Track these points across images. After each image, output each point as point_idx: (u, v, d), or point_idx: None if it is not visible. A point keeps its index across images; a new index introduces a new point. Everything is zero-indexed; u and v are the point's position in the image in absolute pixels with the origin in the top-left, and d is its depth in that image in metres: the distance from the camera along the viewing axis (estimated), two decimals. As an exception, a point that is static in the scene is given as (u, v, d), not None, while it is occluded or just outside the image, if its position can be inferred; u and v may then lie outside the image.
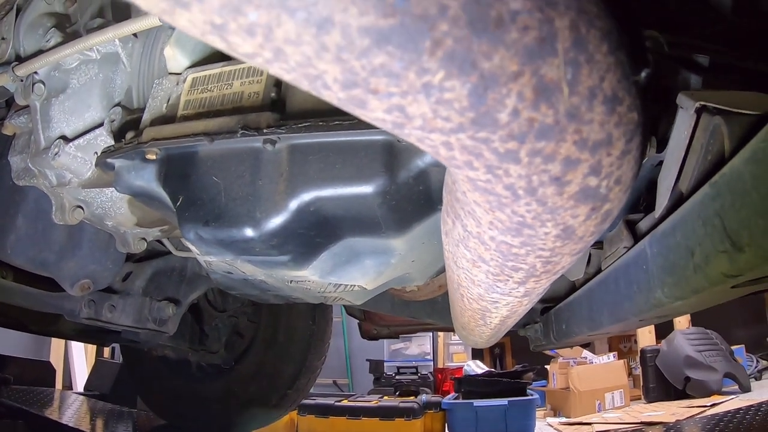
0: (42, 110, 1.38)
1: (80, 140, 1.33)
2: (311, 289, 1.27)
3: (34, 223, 1.65)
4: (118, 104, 1.32)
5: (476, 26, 0.34)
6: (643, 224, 0.95)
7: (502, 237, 0.58)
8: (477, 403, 4.11)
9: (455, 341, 7.12)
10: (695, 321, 5.99)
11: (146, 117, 1.18)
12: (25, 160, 1.55)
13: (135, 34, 1.35)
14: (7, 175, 1.65)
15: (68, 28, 1.40)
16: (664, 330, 5.97)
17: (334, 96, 0.39)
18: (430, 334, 6.84)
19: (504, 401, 4.09)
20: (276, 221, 1.01)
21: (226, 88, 1.12)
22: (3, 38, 1.47)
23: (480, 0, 0.33)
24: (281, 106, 1.07)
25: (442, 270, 1.42)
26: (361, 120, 0.96)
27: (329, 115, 1.00)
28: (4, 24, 1.46)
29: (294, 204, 1.00)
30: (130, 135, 1.16)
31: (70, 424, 2.97)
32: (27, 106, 1.60)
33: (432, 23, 0.33)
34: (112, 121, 1.26)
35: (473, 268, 0.72)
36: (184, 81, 1.18)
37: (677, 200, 0.76)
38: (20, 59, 1.39)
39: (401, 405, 4.04)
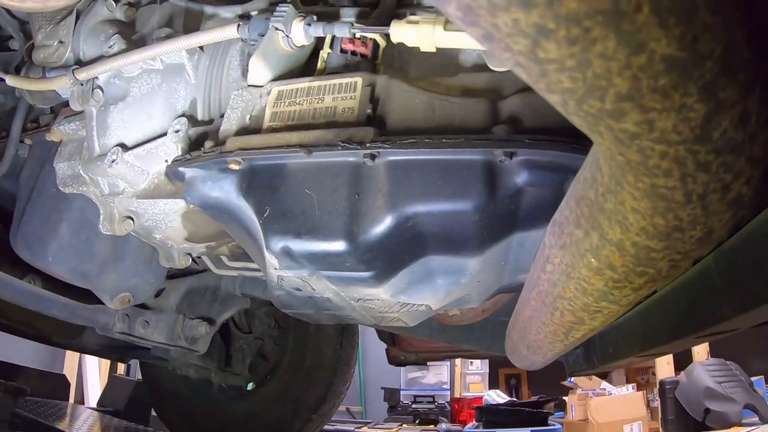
0: (99, 117, 1.35)
1: (140, 149, 1.29)
2: (375, 309, 1.23)
3: (78, 232, 1.60)
4: (183, 115, 1.29)
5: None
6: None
7: (648, 242, 0.59)
8: (499, 432, 4.05)
9: (472, 371, 7.03)
10: (714, 352, 5.92)
11: (226, 127, 1.15)
12: (74, 167, 1.51)
13: (201, 47, 1.32)
14: (50, 182, 1.61)
15: (132, 36, 1.37)
16: (683, 361, 5.90)
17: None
18: (448, 363, 6.76)
19: (526, 431, 4.03)
20: (373, 236, 0.99)
21: (317, 102, 1.10)
22: (61, 42, 1.45)
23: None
24: (379, 123, 1.05)
25: (497, 293, 1.39)
26: (465, 139, 0.94)
27: (430, 133, 1.00)
28: (63, 27, 1.44)
29: (393, 219, 0.99)
30: (209, 144, 1.12)
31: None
32: (77, 113, 1.58)
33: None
34: (177, 131, 1.23)
35: (594, 277, 0.71)
36: (268, 93, 1.15)
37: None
38: (80, 64, 1.36)
39: (422, 434, 3.98)
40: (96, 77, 1.37)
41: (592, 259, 0.69)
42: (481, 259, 1.08)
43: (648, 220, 0.55)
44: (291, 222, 1.02)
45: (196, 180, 1.11)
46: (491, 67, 1.07)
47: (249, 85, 1.18)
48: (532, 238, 1.10)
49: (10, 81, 1.57)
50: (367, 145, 1.00)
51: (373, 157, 1.00)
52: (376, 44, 1.17)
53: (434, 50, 1.09)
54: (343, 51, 1.15)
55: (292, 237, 1.02)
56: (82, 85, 1.38)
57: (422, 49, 1.09)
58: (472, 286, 1.19)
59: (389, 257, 1.05)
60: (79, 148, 1.53)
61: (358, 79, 1.09)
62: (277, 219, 1.03)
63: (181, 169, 1.13)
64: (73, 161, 1.52)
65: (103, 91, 1.36)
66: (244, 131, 1.12)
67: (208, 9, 1.38)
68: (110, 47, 1.35)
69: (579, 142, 0.92)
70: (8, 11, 1.75)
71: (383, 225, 0.99)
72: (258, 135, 1.09)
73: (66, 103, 1.58)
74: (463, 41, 1.06)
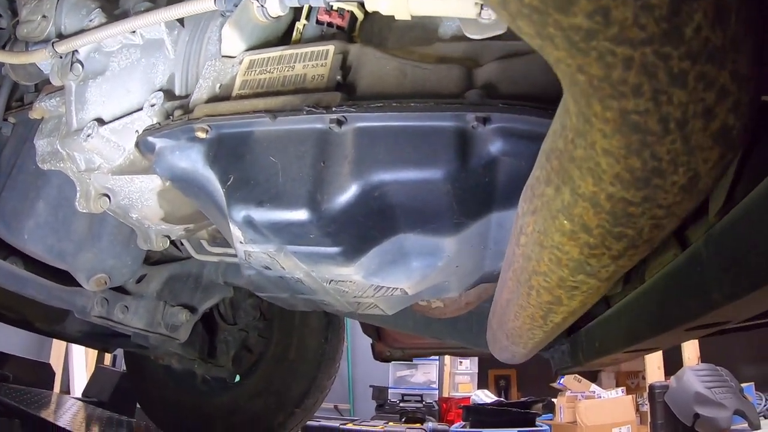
0: (77, 91, 1.33)
1: (116, 123, 1.27)
2: (348, 292, 1.20)
3: (55, 210, 1.58)
4: (160, 90, 1.26)
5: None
6: (692, 230, 0.90)
7: (624, 192, 0.53)
8: (486, 432, 4.03)
9: (461, 371, 7.02)
10: (705, 357, 5.92)
11: (196, 96, 1.12)
12: (53, 144, 1.49)
13: (182, 23, 1.30)
14: (30, 159, 1.59)
15: (114, 11, 1.35)
16: (672, 366, 5.89)
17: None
18: (437, 362, 6.74)
19: (514, 431, 4.01)
20: (338, 205, 0.95)
21: (287, 70, 1.07)
22: (44, 16, 1.43)
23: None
24: (349, 89, 1.02)
25: (477, 282, 1.36)
26: (436, 103, 0.91)
27: (400, 99, 0.95)
28: (47, 2, 1.41)
29: (359, 187, 0.95)
30: (178, 113, 1.10)
31: (67, 428, 2.88)
32: (58, 89, 1.55)
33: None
34: (152, 105, 1.20)
35: (568, 243, 0.66)
36: (240, 62, 1.12)
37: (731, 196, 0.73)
38: (62, 38, 1.34)
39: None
40: (76, 52, 1.34)
41: (565, 221, 0.64)
42: (457, 239, 1.04)
43: (622, 164, 0.50)
44: (254, 190, 0.99)
45: (165, 150, 1.08)
46: (468, 35, 1.03)
47: (222, 56, 1.15)
48: (511, 218, 1.06)
49: (-8, 55, 1.55)
50: (333, 109, 0.96)
51: (339, 123, 0.96)
52: (353, 17, 1.14)
53: (409, 18, 1.05)
54: (319, 22, 1.12)
55: (254, 205, 0.98)
56: (61, 58, 1.35)
57: (397, 18, 1.05)
58: (450, 271, 1.16)
59: (357, 232, 1.01)
60: (59, 125, 1.50)
61: (330, 47, 1.06)
62: (240, 187, 1.00)
63: (149, 138, 1.10)
64: (52, 137, 1.50)
65: (83, 66, 1.34)
66: (213, 100, 1.09)
67: None
68: (91, 21, 1.32)
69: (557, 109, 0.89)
70: None
71: (348, 193, 0.95)
72: (226, 102, 1.06)
73: (49, 81, 1.56)
74: (438, 7, 1.02)
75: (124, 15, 1.37)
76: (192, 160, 1.06)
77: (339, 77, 1.03)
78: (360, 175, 0.95)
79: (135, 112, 1.25)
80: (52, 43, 1.32)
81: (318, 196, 0.95)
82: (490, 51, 1.01)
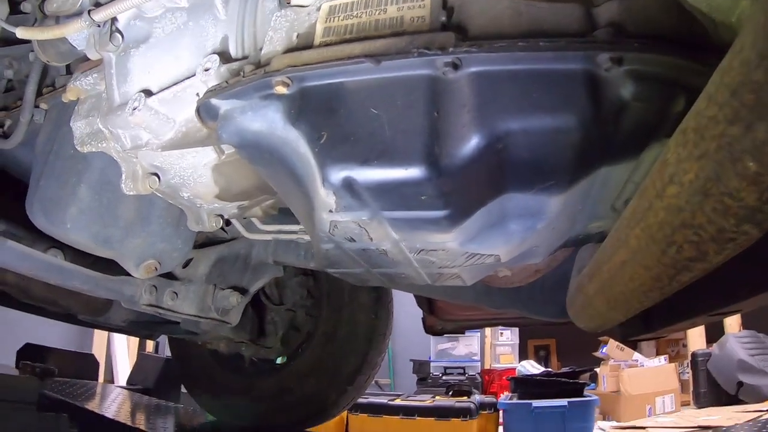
0: (118, 63, 1.22)
1: (165, 93, 1.15)
2: (435, 263, 1.09)
3: (99, 194, 1.47)
4: (213, 53, 1.14)
5: None
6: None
7: None
8: (535, 403, 3.96)
9: (502, 342, 6.97)
10: (747, 324, 5.83)
11: (268, 49, 0.99)
12: (92, 125, 1.39)
13: None
14: (68, 144, 1.49)
15: None
16: (714, 334, 5.81)
17: None
18: (479, 334, 6.69)
19: (563, 402, 3.95)
20: (459, 158, 0.83)
21: (379, 14, 0.94)
22: None
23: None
24: (457, 31, 0.89)
25: (562, 247, 1.26)
26: (568, 42, 0.80)
27: (520, 39, 0.84)
28: None
29: (483, 138, 0.83)
30: (249, 68, 0.97)
31: (114, 418, 2.86)
32: (94, 66, 1.45)
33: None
34: (207, 70, 1.07)
35: (748, 188, 0.58)
36: (318, 9, 0.99)
37: None
38: (97, 6, 1.23)
39: (457, 405, 3.91)
40: (115, 20, 1.23)
41: (750, 163, 0.56)
42: (563, 198, 0.93)
43: None
44: (355, 146, 0.86)
45: (233, 113, 0.95)
46: None
47: (293, 5, 1.02)
48: (617, 174, 0.95)
49: (21, 33, 1.44)
50: (450, 50, 0.83)
51: (455, 66, 0.84)
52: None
53: None
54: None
55: (357, 164, 0.86)
56: (99, 27, 1.24)
57: None
58: (546, 234, 1.05)
59: (470, 191, 0.90)
60: (98, 104, 1.40)
61: None
62: (338, 144, 0.87)
63: (214, 101, 0.97)
64: (91, 117, 1.40)
65: (123, 36, 1.23)
66: (292, 50, 0.96)
67: None
68: (129, -15, 1.21)
69: (693, 50, 0.78)
70: None
71: (471, 145, 0.83)
72: (310, 50, 0.93)
73: (83, 59, 1.45)
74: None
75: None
76: (268, 120, 0.93)
77: (443, 18, 0.90)
78: (483, 124, 0.83)
79: (187, 79, 1.14)
80: (89, 11, 1.21)
81: (436, 149, 0.83)
82: None
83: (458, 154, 0.83)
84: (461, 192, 0.89)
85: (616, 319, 1.26)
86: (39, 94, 1.74)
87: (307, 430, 2.97)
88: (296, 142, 0.92)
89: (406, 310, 3.54)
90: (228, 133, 0.97)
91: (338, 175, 0.88)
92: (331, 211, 0.93)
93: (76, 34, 1.31)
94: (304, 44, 0.97)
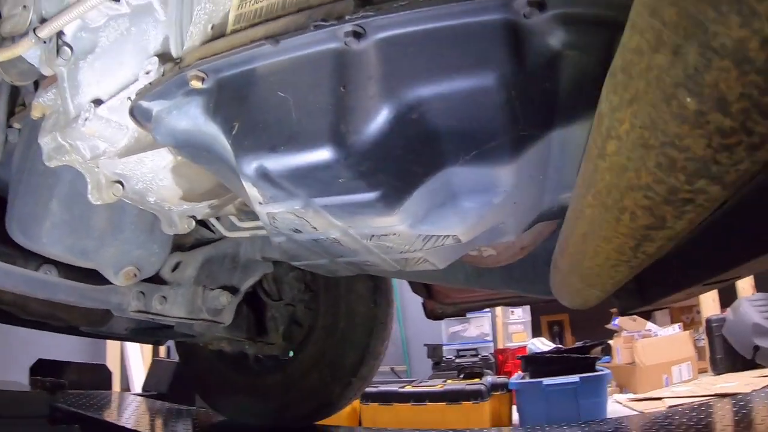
0: (69, 76, 1.23)
1: (113, 101, 1.16)
2: (394, 248, 1.07)
3: (70, 207, 1.49)
4: (154, 55, 1.15)
5: None
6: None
7: None
8: (546, 381, 3.94)
9: (514, 320, 6.94)
10: (760, 287, 5.74)
11: (188, 45, 0.98)
12: (56, 139, 1.40)
13: None
14: (39, 160, 1.50)
15: None
16: (727, 299, 5.73)
17: None
18: (489, 314, 6.66)
19: (575, 378, 3.92)
20: (368, 134, 0.79)
21: None
22: (24, 6, 1.33)
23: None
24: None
25: (535, 222, 1.21)
26: None
27: None
28: None
29: (391, 109, 0.78)
30: (168, 67, 0.97)
31: (128, 426, 2.90)
32: (54, 81, 1.45)
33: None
34: (148, 72, 1.07)
35: (691, 132, 0.48)
36: None
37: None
38: (43, 22, 1.23)
39: (468, 388, 3.90)
40: (62, 34, 1.24)
41: (688, 98, 0.45)
42: (515, 167, 0.88)
43: None
44: (263, 134, 0.84)
45: (162, 113, 0.96)
46: None
47: None
48: (576, 136, 0.87)
49: (-26, 55, 1.45)
50: (347, 18, 0.78)
51: (357, 35, 0.79)
52: None
53: None
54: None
55: (266, 152, 0.83)
56: (45, 43, 1.25)
57: None
58: (507, 209, 1.01)
59: (396, 168, 0.86)
60: (59, 118, 1.41)
61: None
62: (248, 134, 0.85)
63: (143, 104, 0.97)
64: (54, 132, 1.40)
65: (71, 48, 1.23)
66: (205, 42, 0.95)
67: None
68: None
69: None
70: None
71: (379, 118, 0.78)
72: (221, 39, 0.92)
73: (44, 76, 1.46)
74: None
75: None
76: (191, 117, 0.92)
77: None
78: (390, 93, 0.78)
79: (132, 84, 1.14)
80: (34, 29, 1.21)
81: (342, 126, 0.80)
82: None
83: (366, 129, 0.79)
84: (385, 170, 0.85)
85: (596, 296, 1.20)
86: (11, 114, 1.75)
87: (319, 423, 2.99)
88: (219, 136, 0.91)
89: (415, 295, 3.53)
90: (161, 135, 0.97)
91: (251, 165, 0.86)
92: (260, 203, 0.92)
93: (30, 52, 1.32)
94: (218, 34, 0.95)
